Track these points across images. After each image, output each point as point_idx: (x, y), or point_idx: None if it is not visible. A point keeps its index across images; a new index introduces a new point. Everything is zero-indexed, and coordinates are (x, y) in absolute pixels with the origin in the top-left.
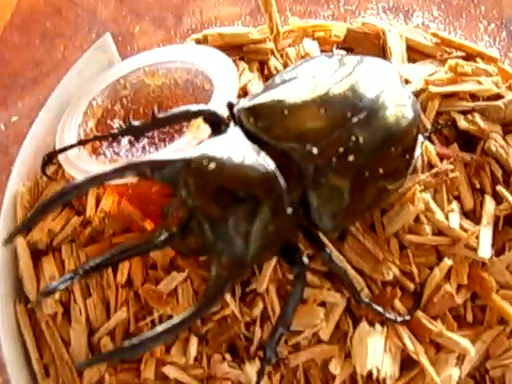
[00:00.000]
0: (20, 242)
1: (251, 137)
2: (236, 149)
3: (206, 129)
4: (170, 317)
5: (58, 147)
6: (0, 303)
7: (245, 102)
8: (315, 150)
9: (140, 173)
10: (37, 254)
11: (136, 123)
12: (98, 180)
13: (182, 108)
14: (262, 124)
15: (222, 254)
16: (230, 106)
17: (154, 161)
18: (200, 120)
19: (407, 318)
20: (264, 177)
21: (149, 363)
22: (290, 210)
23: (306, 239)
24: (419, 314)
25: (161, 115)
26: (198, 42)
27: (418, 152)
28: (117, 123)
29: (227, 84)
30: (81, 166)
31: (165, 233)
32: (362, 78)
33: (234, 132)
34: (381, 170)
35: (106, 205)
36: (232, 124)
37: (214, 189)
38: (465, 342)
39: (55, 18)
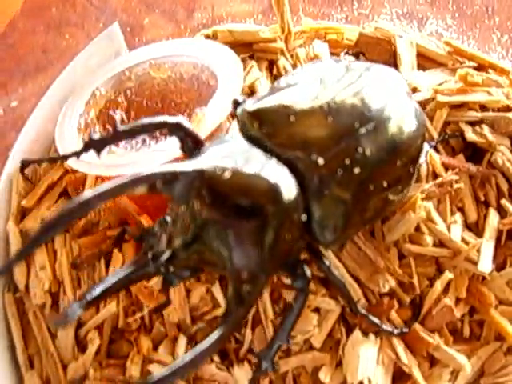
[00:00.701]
0: (12, 230)
1: (255, 142)
2: (246, 156)
3: (208, 122)
4: None
5: (58, 135)
6: None
7: (249, 105)
8: (321, 161)
9: (151, 186)
10: None
11: (96, 137)
12: (109, 193)
13: (145, 120)
14: (266, 130)
15: (241, 268)
16: (236, 103)
17: (166, 172)
18: (202, 115)
19: (405, 330)
20: (277, 186)
21: (135, 360)
22: (304, 218)
23: (306, 249)
24: (417, 326)
25: (122, 127)
26: (208, 37)
27: (421, 160)
28: (118, 114)
29: (231, 81)
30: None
31: (167, 252)
32: (369, 87)
33: (238, 138)
34: (385, 183)
35: None
36: (234, 127)
37: (228, 199)
38: (461, 358)
39: (65, 6)
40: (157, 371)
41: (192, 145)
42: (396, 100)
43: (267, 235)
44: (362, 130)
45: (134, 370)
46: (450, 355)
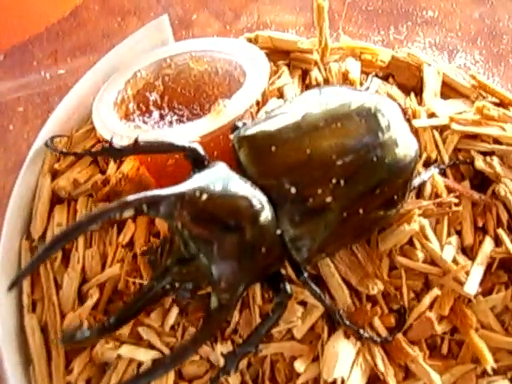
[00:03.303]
0: (46, 185)
1: (240, 166)
2: (226, 180)
3: (226, 114)
4: None
5: (95, 107)
6: (7, 233)
7: (243, 131)
8: (293, 190)
9: (137, 210)
10: (53, 201)
11: (117, 146)
12: (97, 219)
13: (167, 141)
14: (250, 157)
15: (219, 279)
16: (235, 128)
17: (149, 197)
18: (222, 106)
19: (389, 338)
20: (251, 207)
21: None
22: (279, 231)
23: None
24: (399, 336)
25: (142, 143)
26: (250, 40)
27: (424, 178)
28: (153, 96)
29: (257, 81)
30: (110, 126)
31: (160, 268)
32: (359, 118)
33: (221, 165)
34: (361, 210)
35: (126, 168)
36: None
37: (207, 218)
38: (434, 375)
39: None
40: (145, 334)
41: (199, 165)
42: (382, 132)
43: (241, 250)
44: (339, 162)
45: (124, 329)
46: (425, 370)
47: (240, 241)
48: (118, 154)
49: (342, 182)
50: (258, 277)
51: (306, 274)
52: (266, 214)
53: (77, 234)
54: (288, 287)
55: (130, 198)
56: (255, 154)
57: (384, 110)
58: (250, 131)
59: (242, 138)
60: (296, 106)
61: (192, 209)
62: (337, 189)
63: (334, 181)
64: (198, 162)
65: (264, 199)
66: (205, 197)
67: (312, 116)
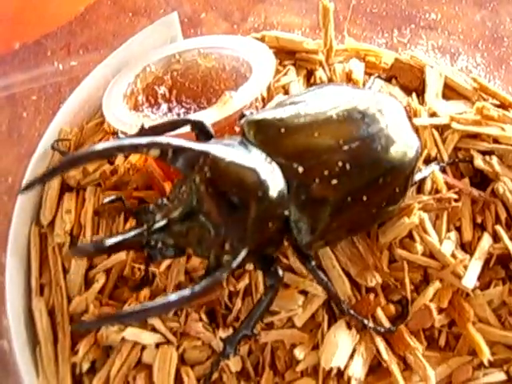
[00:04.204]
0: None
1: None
2: (246, 153)
3: (233, 104)
4: None
5: (105, 98)
6: (17, 219)
7: (253, 116)
8: (300, 169)
9: (162, 152)
10: (62, 189)
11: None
12: (124, 148)
13: (170, 119)
14: (259, 137)
15: (225, 240)
16: (242, 116)
17: (178, 144)
18: (228, 97)
19: (393, 329)
20: (268, 178)
21: (132, 305)
22: (287, 212)
23: (293, 249)
24: (401, 327)
25: (148, 128)
26: (256, 39)
27: (424, 174)
28: (162, 90)
29: (262, 76)
30: (119, 116)
31: (162, 221)
32: (364, 111)
33: (240, 140)
34: (365, 197)
35: (134, 158)
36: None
37: (225, 180)
38: (430, 371)
39: None
40: (150, 319)
41: (205, 138)
42: (386, 126)
43: (252, 218)
44: (345, 147)
45: None
46: (422, 364)
47: (252, 209)
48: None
49: (347, 166)
50: (260, 249)
51: (313, 263)
52: (281, 189)
53: (104, 155)
54: (280, 270)
55: (160, 139)
56: (264, 135)
57: (388, 107)
58: (260, 115)
59: (252, 120)
60: (303, 98)
61: (214, 168)
62: (342, 172)
63: (340, 164)
64: (204, 134)
65: (281, 176)
66: (227, 160)
67: (319, 106)
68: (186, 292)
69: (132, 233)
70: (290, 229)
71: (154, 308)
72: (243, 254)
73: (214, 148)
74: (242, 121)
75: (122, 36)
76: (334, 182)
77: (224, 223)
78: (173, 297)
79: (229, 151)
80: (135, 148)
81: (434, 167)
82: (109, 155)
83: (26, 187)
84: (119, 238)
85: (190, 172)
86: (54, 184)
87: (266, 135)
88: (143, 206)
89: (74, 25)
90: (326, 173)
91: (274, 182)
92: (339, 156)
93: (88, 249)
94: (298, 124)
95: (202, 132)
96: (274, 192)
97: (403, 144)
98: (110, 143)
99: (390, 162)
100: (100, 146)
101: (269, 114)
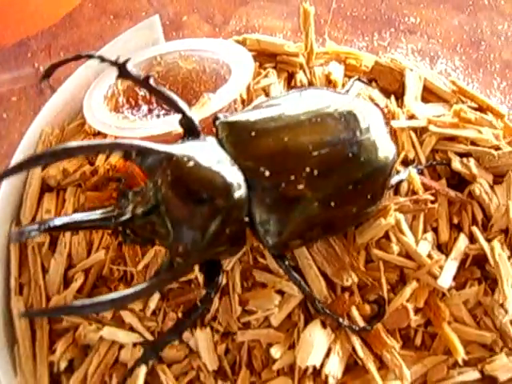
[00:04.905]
0: (36, 173)
1: (223, 148)
2: (213, 155)
3: (211, 106)
4: None
5: (86, 100)
6: None
7: (227, 117)
8: (267, 173)
9: (126, 153)
10: (43, 189)
11: (129, 69)
12: (89, 149)
13: (174, 96)
14: (230, 139)
15: (179, 243)
16: (216, 118)
17: (141, 146)
18: (206, 99)
19: (368, 328)
20: (230, 184)
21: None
22: (246, 219)
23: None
24: (378, 325)
25: (153, 83)
26: (238, 43)
27: (402, 177)
28: (142, 92)
29: (241, 78)
30: (99, 117)
31: (127, 214)
32: (339, 116)
33: (212, 141)
34: (332, 203)
35: (114, 159)
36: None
37: (186, 184)
38: (406, 370)
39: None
40: (127, 318)
41: (191, 134)
42: (361, 132)
43: (208, 223)
44: (315, 153)
45: (107, 313)
46: (399, 362)
47: (209, 214)
48: (130, 78)
49: (315, 172)
50: (214, 254)
51: (287, 263)
52: (240, 195)
53: (65, 156)
54: (220, 280)
55: (124, 141)
56: (235, 137)
57: (365, 113)
58: (233, 118)
59: (225, 122)
60: (279, 101)
61: (176, 171)
62: (310, 178)
63: (307, 170)
64: (190, 131)
65: (242, 181)
66: (191, 164)
67: (293, 110)
68: (136, 288)
69: (99, 214)
70: (256, 230)
71: (104, 303)
72: (195, 259)
73: (178, 151)
74: (217, 122)
75: (104, 38)
76: (300, 186)
77: (180, 227)
78: (123, 293)
79: (195, 154)
80: (99, 148)
81: (411, 170)
82: (73, 155)
83: (6, 174)
84: (88, 214)
85: (153, 173)
86: (35, 184)
87: (237, 137)
88: (125, 190)
89: (56, 27)
90: (292, 178)
91: (234, 188)
92: (307, 161)
93: (30, 230)
94: (269, 127)
95: (189, 128)
96: (232, 198)
97: (378, 151)
98: (75, 143)
99: (363, 169)
100: (65, 146)
101: (243, 116)
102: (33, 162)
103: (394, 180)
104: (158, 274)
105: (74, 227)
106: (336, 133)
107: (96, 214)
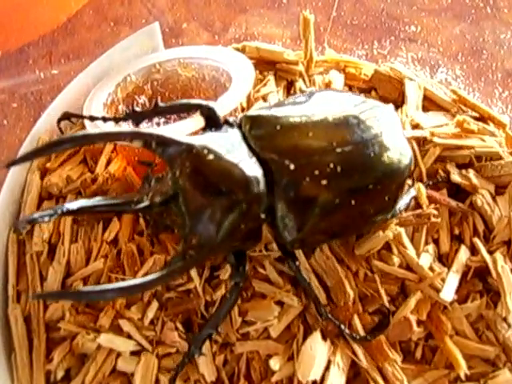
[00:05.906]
0: (35, 180)
1: (245, 141)
2: (233, 148)
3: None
4: None
5: (86, 107)
6: None
7: (250, 111)
8: (292, 166)
9: (146, 142)
10: (42, 197)
11: (138, 109)
12: (109, 136)
13: (183, 101)
14: (254, 132)
15: (194, 235)
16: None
17: (162, 136)
18: None
19: (369, 337)
20: (249, 179)
21: (108, 313)
22: (263, 215)
23: (278, 247)
24: (381, 337)
25: (162, 105)
26: (237, 50)
27: (412, 193)
28: (142, 100)
29: (241, 86)
30: (99, 125)
31: (146, 201)
32: (360, 117)
33: (234, 133)
34: (353, 201)
35: (113, 168)
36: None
37: (204, 177)
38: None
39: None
40: (125, 326)
41: (212, 125)
42: (381, 133)
43: (224, 217)
44: (338, 150)
45: (104, 321)
46: (400, 375)
47: (226, 207)
48: (140, 117)
49: (338, 169)
50: (229, 249)
51: (297, 263)
52: (259, 189)
53: (84, 142)
54: (247, 269)
55: (144, 130)
56: (260, 130)
57: (385, 115)
58: (257, 112)
59: (249, 116)
60: (303, 99)
61: (195, 163)
62: (333, 174)
63: (331, 165)
64: (211, 121)
65: (261, 175)
66: (211, 157)
67: (318, 108)
68: (146, 279)
69: (122, 198)
70: (275, 225)
71: (112, 290)
72: (209, 252)
73: (199, 142)
74: (239, 116)
75: (104, 45)
76: (324, 182)
77: (197, 218)
78: (132, 282)
79: (215, 147)
80: (119, 136)
81: (420, 185)
82: (93, 141)
83: (14, 162)
84: (109, 200)
85: (173, 164)
86: (33, 191)
87: (262, 130)
88: (149, 176)
89: (56, 33)
90: (316, 172)
91: (253, 182)
92: (331, 157)
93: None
94: (293, 123)
95: (210, 119)
96: (251, 192)
97: (396, 153)
98: (97, 130)
99: (383, 169)
100: (86, 132)
101: (266, 111)
102: (53, 147)
103: (407, 197)
104: (169, 266)
105: (94, 211)
106: (358, 132)
107: (118, 199)
